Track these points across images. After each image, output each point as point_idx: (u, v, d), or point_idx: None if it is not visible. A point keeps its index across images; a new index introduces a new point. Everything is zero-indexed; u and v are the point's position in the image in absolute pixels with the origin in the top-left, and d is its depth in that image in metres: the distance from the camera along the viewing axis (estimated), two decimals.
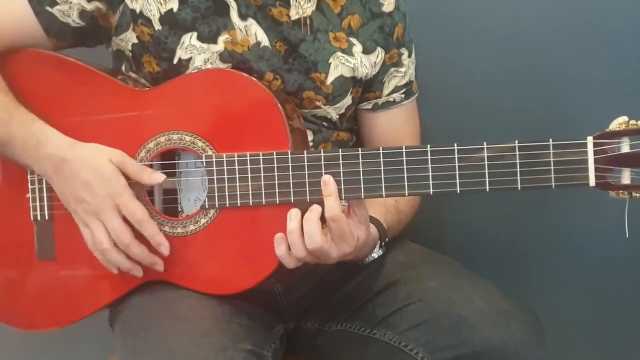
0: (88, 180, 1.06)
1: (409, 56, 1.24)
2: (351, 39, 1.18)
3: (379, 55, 1.20)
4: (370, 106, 1.25)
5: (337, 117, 1.19)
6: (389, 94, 1.24)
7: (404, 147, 1.02)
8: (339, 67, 1.16)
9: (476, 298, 1.09)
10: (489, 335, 1.05)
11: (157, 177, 1.08)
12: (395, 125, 1.26)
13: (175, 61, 1.12)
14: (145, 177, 1.07)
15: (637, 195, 0.98)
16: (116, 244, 1.06)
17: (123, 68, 1.17)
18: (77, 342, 1.49)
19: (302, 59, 1.15)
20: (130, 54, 1.14)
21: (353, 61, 1.17)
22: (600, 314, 1.48)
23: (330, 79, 1.16)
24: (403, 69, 1.23)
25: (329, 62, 1.16)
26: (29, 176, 1.13)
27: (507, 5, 1.42)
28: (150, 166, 1.10)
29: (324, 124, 1.19)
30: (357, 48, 1.18)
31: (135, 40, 1.13)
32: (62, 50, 1.16)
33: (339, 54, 1.16)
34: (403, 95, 1.25)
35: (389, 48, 1.21)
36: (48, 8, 1.12)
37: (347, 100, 1.19)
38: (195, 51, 1.12)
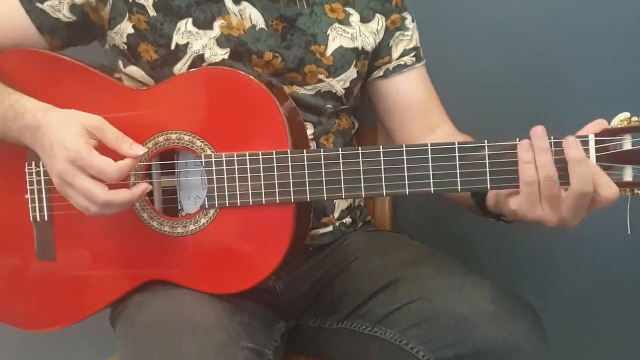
0: (52, 145, 1.01)
1: (412, 21, 1.25)
2: (347, 9, 1.18)
3: (379, 22, 1.21)
4: (382, 73, 1.24)
5: (343, 91, 1.19)
6: (398, 58, 1.24)
7: (404, 145, 1.02)
8: (337, 38, 1.17)
9: (477, 296, 1.08)
10: (490, 333, 1.04)
11: (138, 149, 1.03)
12: (410, 91, 1.25)
13: (172, 47, 1.12)
14: (125, 146, 1.02)
15: (639, 192, 0.98)
16: None
17: (120, 64, 1.16)
18: (78, 342, 1.49)
19: (300, 33, 1.15)
20: (126, 47, 1.13)
21: (351, 31, 1.18)
22: (602, 312, 1.48)
23: (329, 51, 1.16)
24: (409, 33, 1.24)
25: (327, 33, 1.16)
26: (27, 177, 1.12)
27: (506, 3, 1.41)
28: (150, 167, 1.10)
29: (328, 105, 1.19)
30: (355, 17, 1.19)
31: (131, 31, 1.12)
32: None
33: (336, 25, 1.17)
34: (414, 59, 1.25)
35: (389, 14, 1.22)
36: (38, 4, 1.12)
37: (352, 72, 1.19)
38: (192, 37, 1.12)
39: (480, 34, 1.41)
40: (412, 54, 1.24)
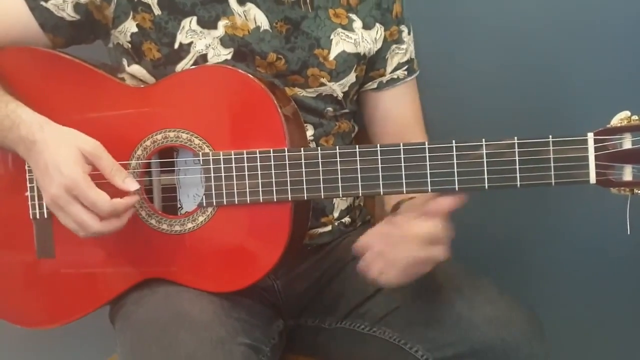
0: (47, 165, 1.01)
1: (409, 33, 1.26)
2: (351, 15, 1.19)
3: (378, 31, 1.21)
4: (375, 85, 1.25)
5: (342, 95, 1.20)
6: (392, 71, 1.25)
7: (401, 144, 1.01)
8: (340, 43, 1.17)
9: (476, 296, 1.08)
10: (489, 333, 1.04)
11: (131, 184, 1.03)
12: (399, 103, 1.27)
13: (176, 46, 1.12)
14: (118, 180, 1.02)
15: (639, 192, 0.97)
16: None
17: (125, 63, 1.16)
18: (78, 341, 1.49)
19: (304, 36, 1.15)
20: (130, 45, 1.13)
21: (354, 36, 1.18)
22: (601, 311, 1.47)
23: (332, 55, 1.17)
24: (404, 46, 1.25)
25: (331, 38, 1.17)
26: (27, 175, 1.12)
27: (507, 3, 1.40)
28: (149, 165, 1.10)
29: (329, 108, 1.19)
30: (357, 24, 1.19)
31: (135, 30, 1.12)
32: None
33: (340, 30, 1.18)
34: (406, 72, 1.26)
35: (388, 25, 1.22)
36: (43, 3, 1.12)
37: (351, 77, 1.19)
38: (195, 36, 1.12)
39: (479, 32, 1.41)
40: (405, 67, 1.25)
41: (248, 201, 1.05)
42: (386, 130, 1.27)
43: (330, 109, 1.19)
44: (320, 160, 1.03)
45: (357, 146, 1.03)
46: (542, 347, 1.06)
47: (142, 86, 1.14)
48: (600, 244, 1.42)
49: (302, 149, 1.04)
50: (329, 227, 1.22)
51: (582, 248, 1.44)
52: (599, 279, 1.45)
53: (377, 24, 1.21)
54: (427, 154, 1.00)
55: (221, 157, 1.05)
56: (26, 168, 1.12)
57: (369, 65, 1.23)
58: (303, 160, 1.03)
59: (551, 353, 1.07)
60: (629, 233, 0.96)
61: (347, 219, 1.25)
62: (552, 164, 0.97)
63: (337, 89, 1.19)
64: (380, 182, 1.02)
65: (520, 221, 1.46)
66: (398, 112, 1.26)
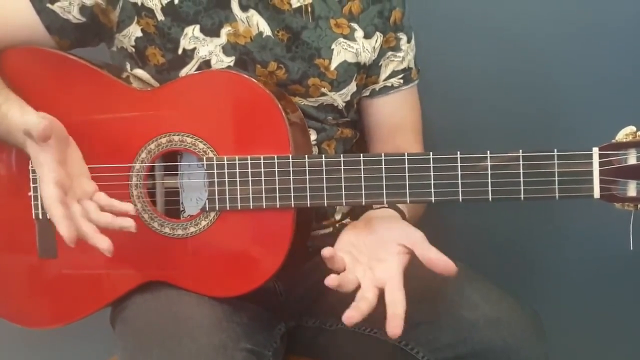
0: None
1: (408, 42, 1.24)
2: (352, 24, 1.18)
3: (377, 39, 1.20)
4: (368, 93, 1.25)
5: (344, 104, 1.19)
6: (386, 79, 1.24)
7: (406, 154, 1.01)
8: (341, 52, 1.17)
9: (477, 297, 1.09)
10: (490, 334, 1.05)
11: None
12: (393, 112, 1.25)
13: (179, 52, 1.12)
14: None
15: None
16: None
17: (128, 67, 1.16)
18: (78, 342, 1.50)
19: (305, 46, 1.15)
20: (134, 49, 1.13)
21: (355, 46, 1.18)
22: (602, 314, 1.48)
23: (334, 65, 1.16)
24: (401, 54, 1.23)
25: (332, 48, 1.16)
26: (30, 174, 1.12)
27: (513, 11, 1.40)
28: (152, 168, 1.10)
29: (329, 117, 1.19)
30: (359, 33, 1.19)
31: (139, 34, 1.12)
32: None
33: (341, 39, 1.17)
34: (401, 81, 1.24)
35: (386, 32, 1.21)
36: (49, 5, 1.12)
37: (352, 87, 1.19)
38: (198, 43, 1.12)
39: (485, 42, 1.41)
40: (401, 75, 1.24)
41: (251, 207, 1.05)
42: (378, 138, 1.27)
43: (330, 117, 1.19)
44: (324, 167, 1.03)
45: (361, 155, 1.03)
46: (543, 348, 1.07)
47: (148, 89, 1.13)
48: (601, 246, 1.41)
49: (306, 156, 1.04)
50: (330, 229, 1.22)
51: (584, 250, 1.45)
52: (600, 281, 1.46)
53: (377, 32, 1.20)
54: (432, 165, 1.00)
55: (225, 162, 1.05)
56: (29, 168, 1.12)
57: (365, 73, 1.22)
58: (307, 168, 1.03)
59: (552, 354, 1.08)
60: (631, 248, 0.96)
61: (348, 220, 1.25)
62: (556, 178, 0.97)
63: (338, 98, 1.18)
64: (384, 192, 1.02)
65: (523, 222, 1.46)
66: (392, 120, 1.25)
